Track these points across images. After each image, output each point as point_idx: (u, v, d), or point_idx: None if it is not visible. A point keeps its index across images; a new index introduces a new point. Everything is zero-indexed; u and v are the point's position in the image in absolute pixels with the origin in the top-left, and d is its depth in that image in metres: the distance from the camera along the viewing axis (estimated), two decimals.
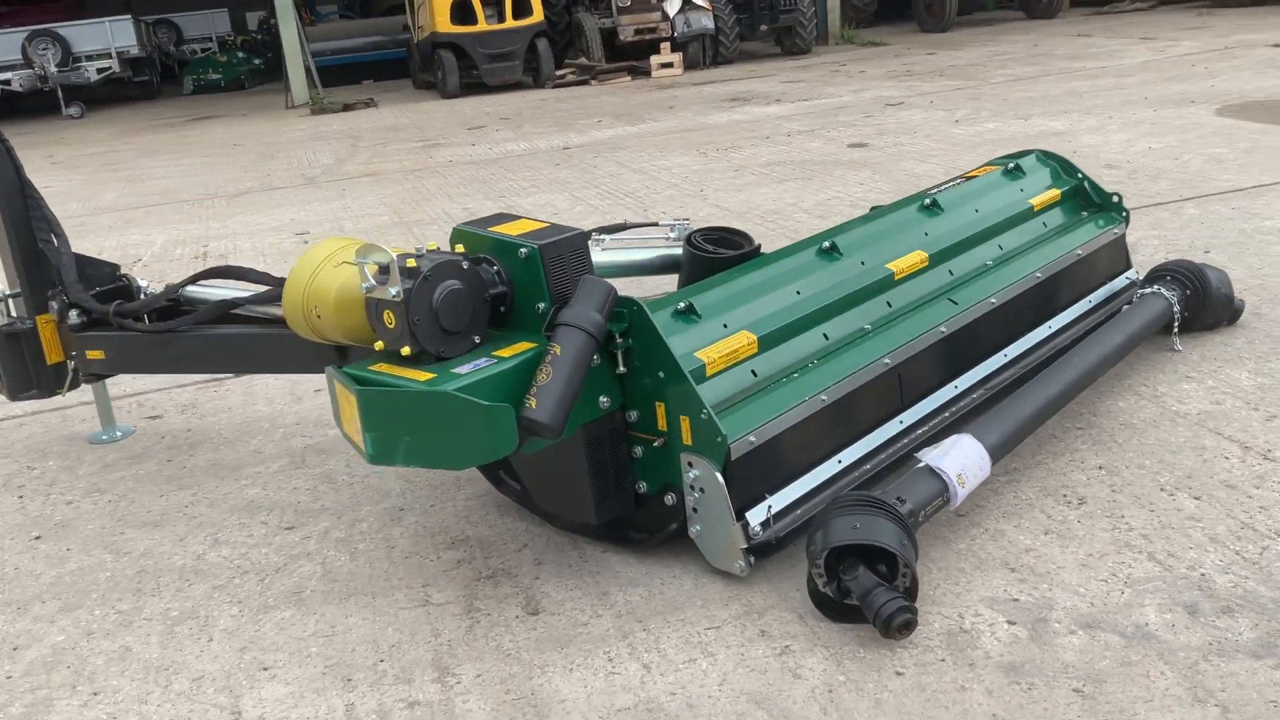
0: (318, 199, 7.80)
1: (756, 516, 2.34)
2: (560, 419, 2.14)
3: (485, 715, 2.03)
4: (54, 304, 3.29)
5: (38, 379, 3.37)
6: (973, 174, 3.57)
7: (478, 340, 2.31)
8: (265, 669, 2.24)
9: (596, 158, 8.31)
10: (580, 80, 14.26)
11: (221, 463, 3.31)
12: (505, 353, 2.26)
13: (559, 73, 14.43)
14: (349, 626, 2.36)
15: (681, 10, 14.74)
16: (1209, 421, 2.89)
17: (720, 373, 2.43)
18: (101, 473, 3.32)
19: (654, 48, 14.72)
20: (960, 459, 2.44)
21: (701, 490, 2.33)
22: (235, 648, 2.32)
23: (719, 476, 2.29)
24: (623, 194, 6.81)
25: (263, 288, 3.12)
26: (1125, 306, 3.44)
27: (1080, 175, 3.70)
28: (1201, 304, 3.42)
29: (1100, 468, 2.71)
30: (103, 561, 2.76)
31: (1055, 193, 3.58)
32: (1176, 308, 3.35)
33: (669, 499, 2.42)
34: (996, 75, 10.72)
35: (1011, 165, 3.60)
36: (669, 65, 14.51)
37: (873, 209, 3.66)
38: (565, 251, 2.33)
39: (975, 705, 1.92)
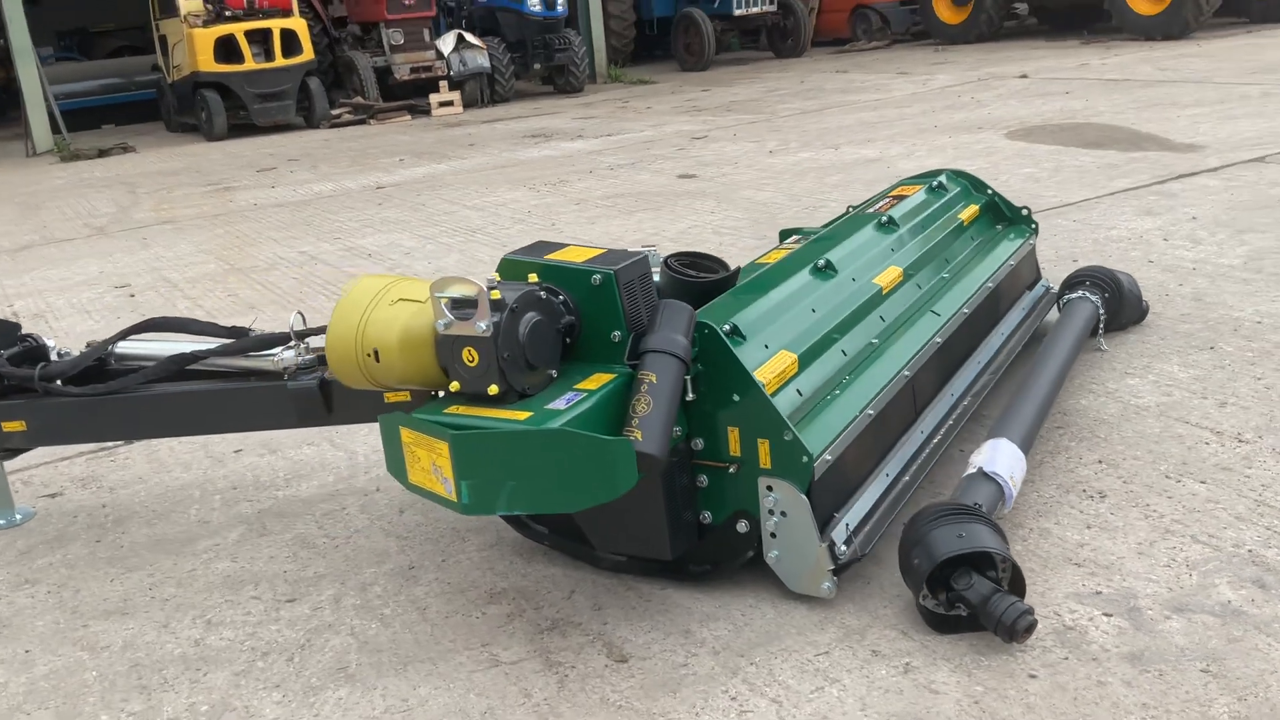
0: (120, 249, 7.16)
1: (839, 535, 2.31)
2: (667, 450, 2.04)
3: None
4: None
5: None
6: (900, 192, 3.69)
7: (553, 374, 2.17)
8: None
9: (420, 196, 8.06)
10: (358, 120, 13.84)
11: (165, 538, 2.95)
12: (588, 385, 2.13)
13: (335, 112, 13.94)
14: (423, 698, 2.14)
15: (456, 49, 14.62)
16: (1171, 412, 3.09)
17: (775, 393, 2.39)
18: (21, 561, 2.88)
19: (430, 86, 14.50)
20: (1007, 461, 2.51)
21: (783, 514, 2.28)
22: None
23: (804, 498, 2.25)
24: (470, 230, 6.63)
25: (213, 340, 2.84)
26: (1052, 313, 3.66)
27: (990, 191, 3.91)
28: (1118, 306, 3.67)
29: (1100, 462, 2.85)
30: (80, 660, 2.39)
31: (975, 208, 3.76)
32: (1101, 310, 3.59)
33: (741, 526, 2.35)
34: (782, 109, 11.21)
35: (935, 183, 3.75)
36: (449, 103, 14.34)
37: (782, 233, 3.73)
38: (636, 276, 2.23)
39: (1121, 698, 1.96)
